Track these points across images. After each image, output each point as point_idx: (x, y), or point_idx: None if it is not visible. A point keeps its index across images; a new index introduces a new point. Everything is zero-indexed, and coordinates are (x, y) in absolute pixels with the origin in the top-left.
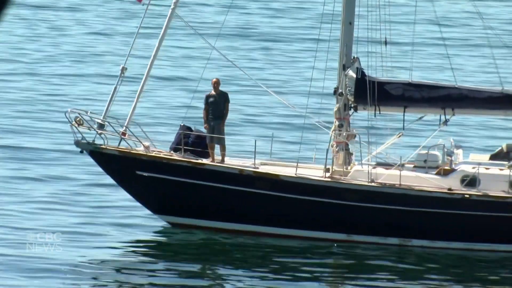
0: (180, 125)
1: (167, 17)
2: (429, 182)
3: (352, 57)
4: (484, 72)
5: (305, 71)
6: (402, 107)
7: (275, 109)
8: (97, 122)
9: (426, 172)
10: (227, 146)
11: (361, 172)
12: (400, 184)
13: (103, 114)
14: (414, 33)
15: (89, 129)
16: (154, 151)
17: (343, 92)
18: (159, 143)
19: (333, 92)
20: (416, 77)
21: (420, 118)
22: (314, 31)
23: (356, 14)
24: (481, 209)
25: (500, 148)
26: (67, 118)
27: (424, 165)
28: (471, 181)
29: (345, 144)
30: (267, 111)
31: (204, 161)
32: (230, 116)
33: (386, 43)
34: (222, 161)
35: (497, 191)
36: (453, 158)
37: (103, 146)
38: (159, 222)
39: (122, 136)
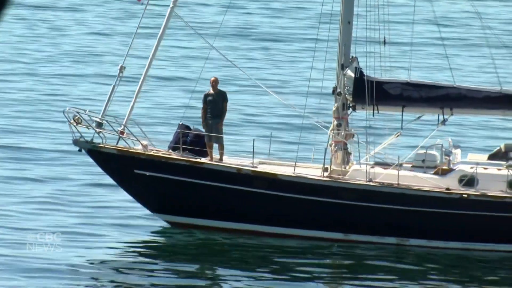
0: (179, 124)
1: (166, 16)
2: (427, 181)
3: (351, 57)
4: (484, 72)
5: (304, 71)
6: (401, 106)
7: (274, 109)
8: (96, 121)
9: (424, 172)
10: (225, 145)
11: (359, 172)
12: (398, 184)
13: (101, 113)
14: (414, 33)
15: (87, 127)
16: (152, 150)
17: (342, 92)
18: (157, 142)
19: (332, 91)
20: (415, 77)
21: (419, 117)
22: (314, 31)
23: (355, 14)
24: (479, 209)
25: (498, 148)
26: (65, 116)
27: (422, 164)
28: (469, 181)
29: (343, 143)
30: (266, 111)
31: (203, 160)
32: (229, 116)
33: (385, 42)
34: (221, 160)
35: (495, 191)
36: (451, 158)
37: (102, 145)
38: (158, 222)
39: (121, 135)
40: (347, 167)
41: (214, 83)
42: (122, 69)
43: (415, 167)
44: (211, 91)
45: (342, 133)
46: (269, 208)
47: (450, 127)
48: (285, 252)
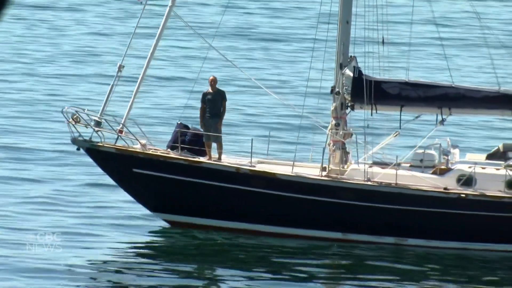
0: (177, 123)
1: (165, 16)
2: (425, 181)
3: (349, 56)
4: (483, 73)
5: (304, 71)
6: (399, 106)
7: (273, 109)
8: (94, 120)
9: (423, 172)
10: (224, 145)
11: (358, 171)
12: (396, 183)
13: (100, 112)
14: (413, 33)
15: (86, 126)
16: (151, 149)
17: (340, 91)
18: (156, 141)
19: (330, 91)
20: (415, 77)
21: (417, 117)
22: (313, 31)
23: (354, 14)
24: (477, 209)
25: (496, 147)
26: (64, 115)
27: (420, 164)
28: (467, 180)
29: (341, 143)
30: (265, 111)
31: (201, 159)
32: (228, 116)
33: (383, 42)
34: (219, 159)
35: (493, 190)
36: (449, 157)
37: (100, 144)
38: (158, 223)
39: (119, 134)
40: (345, 166)
41: (213, 82)
42: (120, 68)
43: (413, 167)
44: (210, 90)
45: (341, 133)
46: (267, 207)
47: (450, 127)
48: (284, 252)
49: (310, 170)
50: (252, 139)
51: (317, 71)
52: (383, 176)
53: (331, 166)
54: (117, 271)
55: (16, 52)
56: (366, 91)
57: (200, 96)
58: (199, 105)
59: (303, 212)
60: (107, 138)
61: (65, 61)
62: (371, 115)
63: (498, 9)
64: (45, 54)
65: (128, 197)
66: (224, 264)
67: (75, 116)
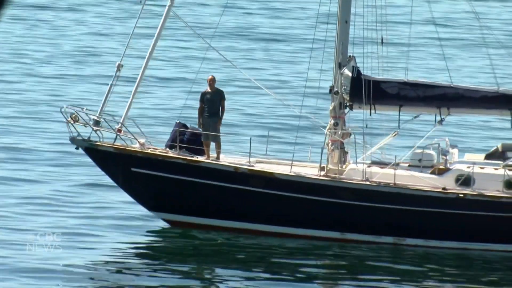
0: (176, 123)
1: (163, 15)
2: (423, 181)
3: (348, 56)
4: (484, 73)
5: (303, 71)
6: (398, 106)
7: (272, 109)
8: (93, 119)
9: (421, 171)
10: (223, 144)
11: (356, 171)
12: (394, 183)
13: (98, 111)
14: (413, 33)
15: (84, 126)
16: (149, 148)
17: (339, 91)
18: (154, 141)
19: (329, 90)
20: (414, 77)
21: (416, 117)
22: (313, 31)
23: (353, 13)
24: (476, 209)
25: (495, 147)
26: (62, 114)
27: (419, 164)
28: (465, 180)
29: (340, 142)
30: (264, 111)
31: (199, 158)
32: (228, 116)
33: (382, 42)
34: (217, 158)
35: (491, 190)
36: (448, 157)
37: (99, 143)
38: (157, 223)
39: (118, 133)
40: (344, 166)
41: (211, 81)
42: (119, 67)
43: (412, 167)
44: (208, 90)
45: (339, 132)
46: (266, 207)
47: (450, 127)
48: (283, 252)
49: (309, 170)
50: (250, 138)
51: (316, 71)
52: (382, 176)
53: (330, 166)
54: (116, 272)
55: (15, 52)
56: (365, 90)
57: (198, 96)
58: (198, 105)
59: (302, 212)
60: (105, 138)
61: (65, 61)
62: (370, 115)
63: (498, 9)
64: (45, 54)
65: (128, 197)
66: (224, 264)
67: (74, 115)
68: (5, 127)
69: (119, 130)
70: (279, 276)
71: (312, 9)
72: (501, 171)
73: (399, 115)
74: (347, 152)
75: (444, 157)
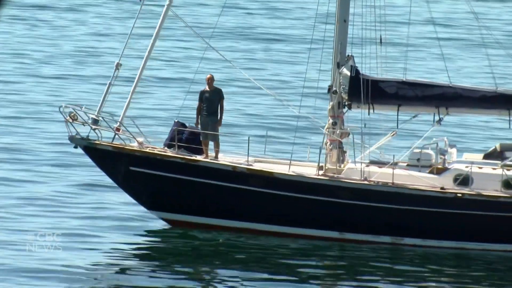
0: (174, 122)
1: (162, 14)
2: (422, 180)
3: (347, 55)
4: (485, 73)
5: (303, 71)
6: (396, 105)
7: (272, 108)
8: (92, 118)
9: (419, 171)
10: (221, 144)
11: (354, 170)
12: (393, 183)
13: (97, 110)
14: (413, 34)
15: (83, 124)
16: (148, 147)
17: (337, 90)
18: (153, 140)
19: (327, 90)
20: (414, 77)
21: (414, 117)
22: (314, 32)
23: (352, 14)
24: (474, 208)
25: (493, 147)
26: (61, 113)
27: (417, 163)
28: (464, 180)
29: (338, 142)
30: (263, 110)
31: (198, 157)
32: (227, 115)
33: (381, 42)
34: (216, 158)
35: (490, 190)
36: (446, 157)
37: (97, 142)
38: (157, 223)
39: (116, 132)
40: (342, 165)
41: (210, 80)
42: (118, 66)
43: (410, 166)
44: (207, 89)
45: (338, 132)
46: (264, 206)
47: (449, 127)
48: (282, 252)
49: (307, 169)
50: (248, 138)
51: (316, 71)
52: (380, 175)
53: (328, 165)
54: (116, 272)
55: (16, 52)
56: (363, 90)
57: (197, 95)
58: (196, 104)
59: (300, 211)
60: (104, 137)
61: (65, 61)
62: (368, 114)
63: (499, 9)
64: (45, 55)
65: (128, 197)
66: (223, 264)
67: (72, 114)
68: (5, 127)
69: (118, 129)
70: (278, 277)
71: (312, 9)
72: (499, 171)
73: (397, 114)
74: (345, 152)
75: (443, 157)
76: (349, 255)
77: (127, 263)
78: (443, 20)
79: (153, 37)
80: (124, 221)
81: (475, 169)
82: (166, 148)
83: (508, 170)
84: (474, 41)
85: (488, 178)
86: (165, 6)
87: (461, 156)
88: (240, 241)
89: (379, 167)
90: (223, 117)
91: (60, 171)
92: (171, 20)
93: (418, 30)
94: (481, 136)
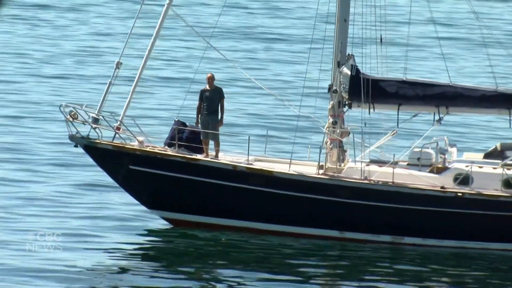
0: (175, 120)
1: (162, 13)
2: (422, 180)
3: (347, 54)
4: (487, 72)
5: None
6: (397, 104)
7: (272, 108)
8: (92, 117)
9: (420, 170)
10: (221, 143)
11: (355, 170)
12: (393, 182)
13: (97, 109)
14: (415, 33)
15: (83, 123)
16: (148, 146)
17: (338, 89)
18: (153, 138)
19: (328, 89)
20: (415, 76)
21: (414, 116)
22: (315, 31)
23: (353, 13)
24: (474, 208)
25: (494, 147)
26: (61, 112)
27: (417, 163)
28: (464, 179)
29: (339, 141)
30: (265, 110)
31: (198, 156)
32: (227, 115)
33: (381, 41)
34: (216, 157)
35: (490, 189)
36: (446, 156)
37: (97, 141)
38: (158, 223)
39: (116, 131)
40: (343, 164)
41: (210, 79)
42: (118, 65)
43: (410, 165)
44: (207, 88)
45: (338, 131)
46: (264, 205)
47: (452, 126)
48: (282, 252)
49: (307, 168)
50: (249, 137)
51: (317, 71)
52: (380, 174)
53: (328, 164)
54: (117, 272)
55: (17, 52)
56: (364, 89)
57: (198, 94)
58: (197, 104)
59: (300, 210)
60: (104, 136)
61: (67, 61)
62: (369, 113)
63: (500, 9)
64: (46, 54)
65: (128, 197)
66: (224, 264)
67: (72, 113)
68: (6, 127)
69: (118, 128)
70: (278, 276)
71: (314, 8)
72: (499, 170)
73: (398, 114)
74: (345, 151)
75: (443, 156)
76: (349, 255)
77: (128, 263)
78: (444, 19)
79: (153, 36)
80: (125, 221)
81: (475, 168)
82: (166, 147)
83: (508, 169)
84: (475, 41)
85: (488, 178)
86: (165, 5)
87: (461, 156)
88: (240, 240)
89: (379, 166)
90: (224, 117)
91: (61, 171)
92: (172, 19)
93: (418, 30)
94: (482, 136)
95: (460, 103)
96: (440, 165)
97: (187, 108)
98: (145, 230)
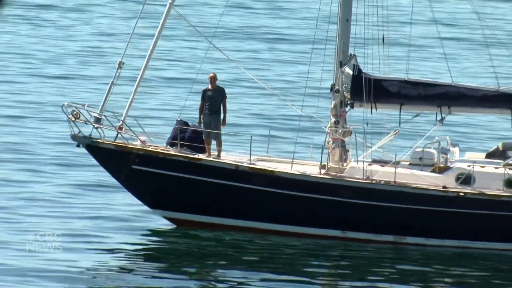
0: (177, 120)
1: (165, 12)
2: (424, 179)
3: (349, 54)
4: (489, 72)
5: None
6: (399, 104)
7: (275, 108)
8: (94, 116)
9: (422, 170)
10: (224, 143)
11: (357, 169)
12: (395, 181)
13: (99, 108)
14: (418, 33)
15: (85, 123)
16: (150, 145)
17: (340, 89)
18: (155, 138)
19: (330, 88)
20: (417, 76)
21: (416, 115)
22: (317, 32)
23: (355, 12)
24: (476, 207)
25: (496, 146)
26: (64, 111)
27: (419, 162)
28: (466, 179)
29: (341, 141)
30: (267, 110)
31: (200, 156)
32: (229, 115)
33: (384, 41)
34: (218, 156)
35: (492, 189)
36: (448, 156)
37: (100, 140)
38: (160, 223)
39: (119, 130)
40: (345, 164)
41: (213, 79)
42: (120, 64)
43: (412, 165)
44: (210, 87)
45: (340, 131)
46: (266, 205)
47: (455, 126)
48: (284, 251)
49: (310, 168)
50: (251, 137)
51: (319, 71)
52: (382, 174)
53: (331, 164)
54: (119, 272)
55: (20, 52)
56: (366, 89)
57: (200, 94)
58: (199, 103)
59: (302, 210)
60: (107, 135)
61: (70, 61)
62: (371, 113)
63: (504, 9)
64: (50, 55)
65: (130, 197)
66: (227, 264)
67: (75, 113)
68: (9, 127)
69: (120, 128)
70: (281, 276)
71: (316, 9)
72: (501, 170)
73: (400, 113)
74: (348, 151)
75: (445, 156)
76: (352, 254)
77: (130, 263)
78: (446, 19)
79: (155, 36)
80: (127, 221)
81: (477, 168)
82: (168, 146)
83: (510, 169)
84: (478, 41)
85: (490, 177)
86: (167, 5)
87: (463, 155)
88: (243, 240)
89: (382, 166)
90: (227, 116)
91: (63, 171)
92: (175, 20)
93: (421, 30)
94: (484, 136)
95: (462, 103)
96: (442, 165)
97: (190, 108)
98: (147, 230)
